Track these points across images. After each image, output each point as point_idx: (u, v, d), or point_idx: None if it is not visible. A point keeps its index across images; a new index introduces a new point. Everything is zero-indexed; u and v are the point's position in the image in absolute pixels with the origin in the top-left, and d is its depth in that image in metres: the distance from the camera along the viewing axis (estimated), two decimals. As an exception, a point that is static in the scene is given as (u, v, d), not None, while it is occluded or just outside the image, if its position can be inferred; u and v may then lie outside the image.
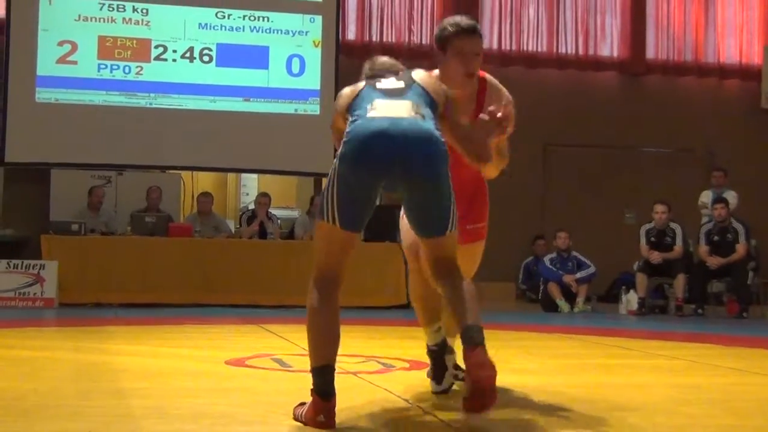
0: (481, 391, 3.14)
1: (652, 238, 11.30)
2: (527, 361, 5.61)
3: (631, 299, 11.22)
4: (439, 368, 4.05)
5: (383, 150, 3.30)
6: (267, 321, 7.79)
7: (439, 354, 4.05)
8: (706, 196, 12.08)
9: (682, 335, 8.11)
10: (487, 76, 4.21)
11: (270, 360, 5.11)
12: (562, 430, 3.27)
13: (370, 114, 3.39)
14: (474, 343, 3.23)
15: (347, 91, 3.62)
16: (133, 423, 3.21)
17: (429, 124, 3.39)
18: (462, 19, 4.16)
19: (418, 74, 3.69)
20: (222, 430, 3.22)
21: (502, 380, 4.43)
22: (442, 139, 3.40)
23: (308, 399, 3.26)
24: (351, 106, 3.51)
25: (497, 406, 3.46)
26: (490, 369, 3.16)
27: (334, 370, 3.30)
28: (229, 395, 3.91)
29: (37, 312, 9.43)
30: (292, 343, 6.26)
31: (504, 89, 4.22)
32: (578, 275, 11.58)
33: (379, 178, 3.37)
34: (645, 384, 4.60)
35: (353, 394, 3.94)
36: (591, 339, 7.33)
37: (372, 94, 3.50)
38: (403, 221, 3.94)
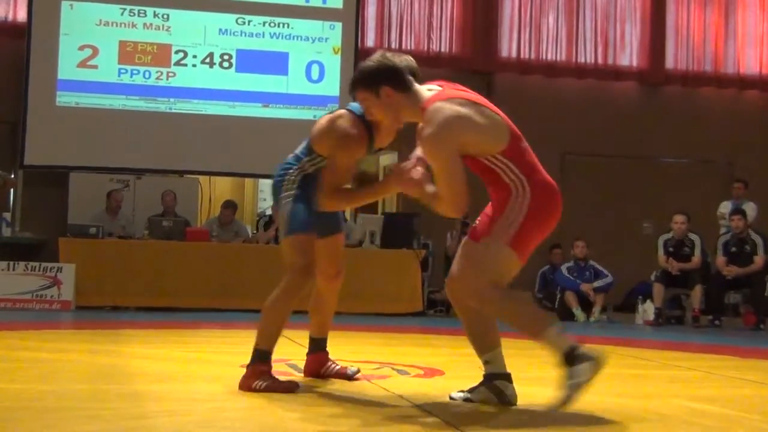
0: None
1: (671, 249, 11.25)
2: (542, 371, 5.58)
3: (647, 309, 11.17)
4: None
5: None
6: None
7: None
8: (725, 207, 12.02)
9: (699, 346, 8.07)
10: (429, 109, 3.75)
11: (285, 365, 5.11)
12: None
13: None
14: None
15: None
16: (149, 425, 3.22)
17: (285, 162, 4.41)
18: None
19: (329, 117, 4.39)
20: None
21: (519, 389, 4.42)
22: (280, 171, 4.40)
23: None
24: None
25: (512, 417, 3.45)
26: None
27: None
28: (244, 399, 3.91)
29: (54, 314, 9.46)
30: (306, 348, 6.25)
31: (429, 129, 3.67)
32: (595, 284, 11.56)
33: None
34: (661, 395, 4.57)
35: (365, 400, 3.94)
36: (607, 349, 7.30)
37: None
38: None
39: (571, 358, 3.56)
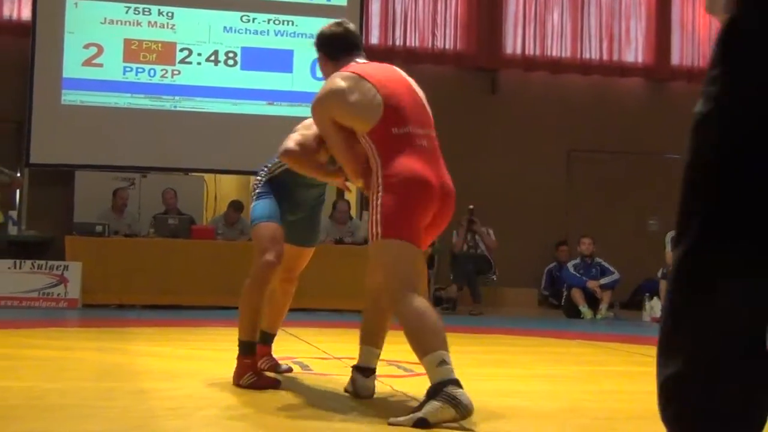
0: None
1: None
2: (548, 368, 5.59)
3: (654, 306, 11.16)
4: None
5: None
6: (289, 324, 7.78)
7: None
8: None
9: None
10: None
11: (291, 363, 5.12)
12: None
13: None
14: None
15: None
16: (155, 424, 3.23)
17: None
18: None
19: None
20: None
21: (523, 386, 4.42)
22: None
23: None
24: None
25: (518, 413, 3.45)
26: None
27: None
28: (250, 397, 3.91)
29: (60, 312, 9.49)
30: (313, 346, 6.28)
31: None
32: (602, 281, 11.55)
33: None
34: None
35: (373, 398, 3.95)
36: (613, 346, 7.30)
37: None
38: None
39: (434, 392, 3.35)
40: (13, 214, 11.90)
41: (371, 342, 4.17)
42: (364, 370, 4.10)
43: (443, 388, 3.31)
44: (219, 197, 12.66)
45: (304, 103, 12.48)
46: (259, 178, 4.53)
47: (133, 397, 3.82)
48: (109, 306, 10.12)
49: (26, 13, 12.61)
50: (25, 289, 10.03)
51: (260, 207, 4.40)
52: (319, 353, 5.86)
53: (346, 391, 4.12)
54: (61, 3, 12.27)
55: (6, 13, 12.78)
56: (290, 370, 4.78)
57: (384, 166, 3.74)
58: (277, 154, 4.25)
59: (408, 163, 3.72)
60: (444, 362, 3.40)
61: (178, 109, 12.48)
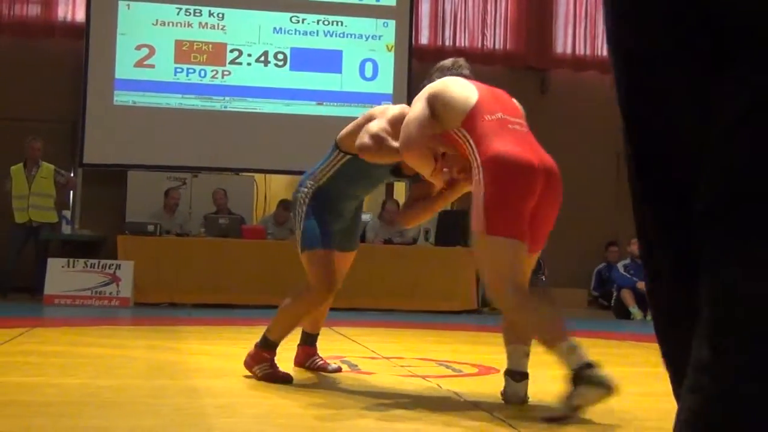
0: None
1: None
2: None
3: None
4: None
5: None
6: (337, 323, 7.83)
7: None
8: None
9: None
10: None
11: (339, 362, 5.14)
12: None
13: None
14: None
15: None
16: (205, 421, 3.26)
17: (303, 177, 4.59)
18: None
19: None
20: (292, 431, 3.26)
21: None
22: (297, 186, 4.58)
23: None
24: None
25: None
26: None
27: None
28: (299, 396, 3.94)
29: (112, 311, 9.59)
30: (362, 346, 6.30)
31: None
32: (652, 282, 11.44)
33: None
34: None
35: (421, 397, 3.96)
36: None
37: None
38: None
39: (577, 378, 3.36)
40: (67, 213, 12.04)
41: (516, 339, 3.91)
42: (513, 374, 3.90)
43: (583, 371, 3.33)
44: (269, 197, 12.73)
45: (353, 104, 12.56)
46: (305, 190, 4.48)
47: (185, 394, 3.87)
48: (160, 305, 10.22)
49: (80, 15, 12.76)
50: (77, 287, 10.15)
51: (311, 231, 4.38)
52: (367, 353, 5.88)
53: (502, 395, 3.92)
54: (114, 5, 12.42)
55: (60, 14, 12.95)
56: (339, 369, 4.80)
57: (480, 151, 3.72)
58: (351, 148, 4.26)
59: (504, 144, 3.72)
60: (574, 347, 3.42)
61: (228, 109, 12.57)
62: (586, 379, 3.32)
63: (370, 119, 4.20)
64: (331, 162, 4.44)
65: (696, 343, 1.09)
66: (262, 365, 4.34)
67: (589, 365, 3.35)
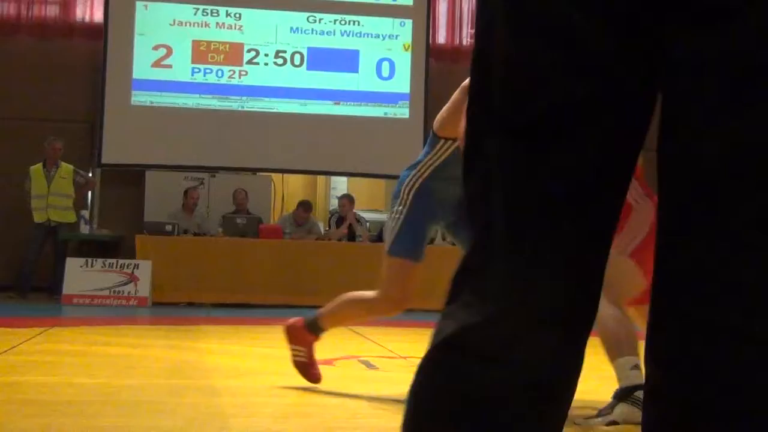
0: None
1: None
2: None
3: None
4: None
5: None
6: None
7: None
8: None
9: None
10: None
11: (357, 362, 5.15)
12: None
13: None
14: None
15: None
16: (223, 420, 3.27)
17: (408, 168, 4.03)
18: None
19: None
20: (310, 431, 3.26)
21: (587, 387, 4.39)
22: (401, 175, 4.01)
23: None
24: None
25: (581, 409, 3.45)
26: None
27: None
28: (317, 395, 3.94)
29: (131, 310, 9.62)
30: (379, 345, 6.30)
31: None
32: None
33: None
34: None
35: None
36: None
37: None
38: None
39: (624, 395, 3.39)
40: (85, 213, 12.09)
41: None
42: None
43: (633, 392, 3.38)
44: (286, 197, 12.74)
45: (371, 103, 12.57)
46: (409, 184, 3.94)
47: (203, 393, 3.87)
48: (178, 304, 10.24)
49: (98, 16, 12.80)
50: (96, 287, 10.18)
51: (406, 236, 3.94)
52: (385, 352, 5.88)
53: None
54: (132, 5, 12.44)
55: (79, 15, 13.00)
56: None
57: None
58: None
59: None
60: (636, 367, 3.42)
61: (245, 109, 12.59)
62: (634, 399, 3.36)
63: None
64: (436, 153, 3.91)
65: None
66: (300, 349, 4.16)
67: (638, 388, 3.36)
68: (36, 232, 11.05)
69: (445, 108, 3.87)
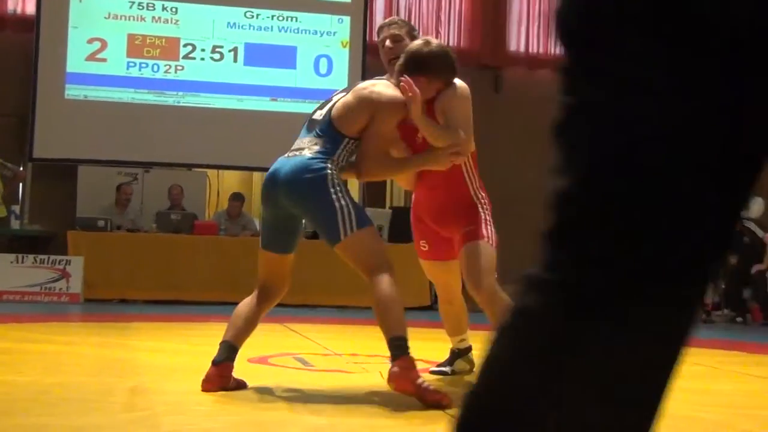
0: None
1: None
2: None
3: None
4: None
5: (266, 191, 4.05)
6: (290, 320, 7.82)
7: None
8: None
9: (704, 342, 8.05)
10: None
11: (292, 359, 5.14)
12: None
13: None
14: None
15: None
16: (155, 419, 3.25)
17: (303, 158, 3.95)
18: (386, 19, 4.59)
19: (352, 95, 4.11)
20: (242, 428, 3.25)
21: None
22: (315, 167, 3.88)
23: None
24: None
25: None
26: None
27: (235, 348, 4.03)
28: (251, 393, 3.93)
29: (62, 307, 9.52)
30: (314, 342, 6.30)
31: (457, 98, 4.21)
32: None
33: (277, 211, 4.05)
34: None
35: (375, 393, 3.97)
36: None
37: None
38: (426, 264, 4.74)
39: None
40: (16, 208, 11.92)
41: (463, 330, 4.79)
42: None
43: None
44: (221, 193, 12.67)
45: (308, 100, 12.53)
46: (331, 170, 3.91)
47: (135, 391, 3.84)
48: (111, 301, 10.15)
49: (30, 8, 12.61)
50: (27, 283, 10.06)
51: (360, 208, 4.03)
52: (320, 349, 5.88)
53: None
54: (66, -3, 12.29)
55: (10, 7, 12.79)
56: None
57: (480, 186, 4.52)
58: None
59: None
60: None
61: (181, 104, 12.50)
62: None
63: (367, 100, 4.04)
64: (346, 148, 4.00)
65: None
66: (418, 380, 3.68)
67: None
68: (-37, 227, 10.86)
69: (347, 108, 4.05)
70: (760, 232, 11.19)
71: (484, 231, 4.35)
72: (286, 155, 4.05)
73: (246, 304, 4.17)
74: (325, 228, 3.89)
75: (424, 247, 4.63)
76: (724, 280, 11.30)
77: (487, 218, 4.43)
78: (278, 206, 3.99)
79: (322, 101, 4.26)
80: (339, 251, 3.90)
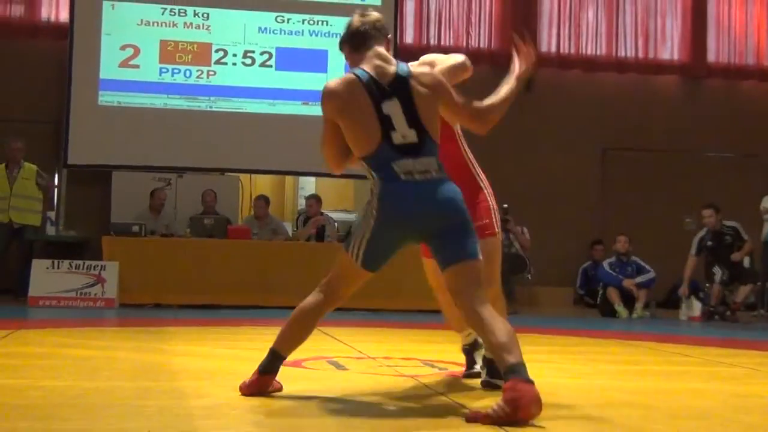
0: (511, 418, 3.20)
1: (709, 242, 11.23)
2: (584, 366, 5.58)
3: (692, 305, 11.11)
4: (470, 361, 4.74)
5: (414, 218, 3.70)
6: (323, 323, 7.81)
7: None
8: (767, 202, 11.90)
9: (745, 343, 7.98)
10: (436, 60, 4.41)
11: (326, 362, 5.14)
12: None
13: (405, 177, 3.70)
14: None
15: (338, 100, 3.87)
16: (190, 423, 3.25)
17: (445, 181, 3.74)
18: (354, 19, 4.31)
19: (422, 102, 3.78)
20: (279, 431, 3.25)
21: (557, 385, 4.41)
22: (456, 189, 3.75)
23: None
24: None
25: (554, 411, 3.47)
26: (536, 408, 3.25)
27: (283, 359, 3.93)
28: (285, 397, 3.93)
29: (97, 312, 9.55)
30: (348, 345, 6.29)
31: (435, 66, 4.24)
32: (638, 280, 11.49)
33: (408, 238, 3.79)
34: (703, 391, 4.54)
35: (407, 396, 3.96)
36: (649, 345, 7.26)
37: (391, 151, 3.72)
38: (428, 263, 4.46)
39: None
40: (51, 214, 12.01)
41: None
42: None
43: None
44: (254, 197, 12.72)
45: (339, 103, 12.54)
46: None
47: (170, 396, 3.85)
48: (145, 306, 10.19)
49: (63, 15, 12.73)
50: (62, 289, 10.11)
51: None
52: (354, 353, 5.87)
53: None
54: (98, 5, 12.38)
55: (44, 15, 12.92)
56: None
57: (479, 168, 4.45)
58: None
59: None
60: None
61: (213, 109, 12.55)
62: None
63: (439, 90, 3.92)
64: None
65: None
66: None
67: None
68: (-1, 233, 10.93)
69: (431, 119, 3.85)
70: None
71: (492, 223, 4.31)
72: (425, 177, 3.70)
73: (305, 313, 3.99)
74: (470, 244, 3.70)
75: None
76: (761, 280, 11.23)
77: (493, 204, 4.37)
78: (426, 224, 3.70)
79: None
80: (471, 265, 3.68)
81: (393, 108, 3.75)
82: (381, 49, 3.98)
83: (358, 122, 3.77)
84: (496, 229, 4.33)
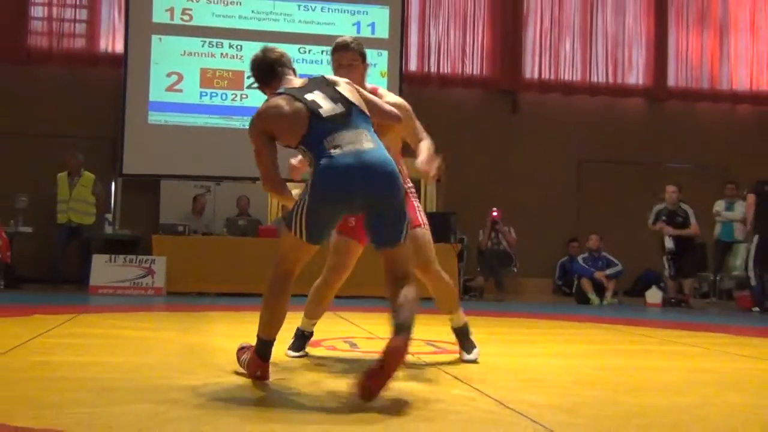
0: (380, 367, 3.10)
1: (663, 218, 11.15)
2: (562, 346, 5.57)
3: (654, 294, 11.08)
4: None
5: (351, 186, 3.36)
6: (342, 309, 7.83)
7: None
8: (719, 206, 11.90)
9: (699, 325, 7.97)
10: (380, 89, 4.29)
11: (342, 342, 5.14)
12: (587, 408, 3.23)
13: (334, 151, 3.40)
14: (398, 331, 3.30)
15: (277, 112, 3.68)
16: (228, 392, 3.26)
17: (382, 149, 3.44)
18: (342, 38, 4.32)
19: (345, 89, 3.64)
20: (304, 399, 3.25)
21: (540, 362, 4.41)
22: (391, 163, 3.43)
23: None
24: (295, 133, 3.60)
25: (536, 385, 3.47)
26: (400, 355, 3.16)
27: (273, 343, 3.65)
28: (308, 372, 3.93)
29: (148, 299, 9.58)
30: (361, 327, 6.30)
31: (395, 103, 4.09)
32: (608, 272, 11.47)
33: (345, 209, 3.54)
34: (664, 367, 4.54)
35: (410, 374, 3.96)
36: (618, 327, 7.25)
37: (322, 126, 3.47)
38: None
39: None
40: (109, 216, 12.06)
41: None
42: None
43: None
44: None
45: (353, 122, 12.56)
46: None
47: (212, 371, 3.86)
48: (189, 294, 10.21)
49: (119, 47, 12.77)
50: (118, 279, 10.15)
51: None
52: (365, 333, 5.88)
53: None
54: (148, 38, 12.41)
55: (102, 46, 12.97)
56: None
57: (407, 175, 4.18)
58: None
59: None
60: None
61: (246, 127, 12.53)
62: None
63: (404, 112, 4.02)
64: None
65: None
66: None
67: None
68: (60, 232, 11.03)
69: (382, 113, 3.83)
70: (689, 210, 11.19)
71: (420, 218, 4.22)
72: (356, 147, 3.40)
73: (275, 296, 3.96)
74: (394, 227, 3.48)
75: (351, 224, 4.29)
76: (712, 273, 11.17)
77: (418, 205, 4.26)
78: (360, 196, 3.40)
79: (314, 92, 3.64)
80: (392, 249, 3.56)
81: (316, 95, 3.57)
82: (290, 77, 3.85)
83: (288, 115, 3.58)
84: (421, 221, 4.21)
